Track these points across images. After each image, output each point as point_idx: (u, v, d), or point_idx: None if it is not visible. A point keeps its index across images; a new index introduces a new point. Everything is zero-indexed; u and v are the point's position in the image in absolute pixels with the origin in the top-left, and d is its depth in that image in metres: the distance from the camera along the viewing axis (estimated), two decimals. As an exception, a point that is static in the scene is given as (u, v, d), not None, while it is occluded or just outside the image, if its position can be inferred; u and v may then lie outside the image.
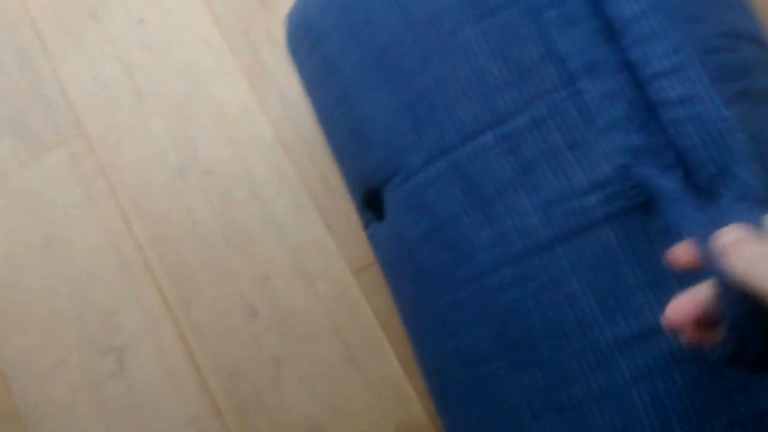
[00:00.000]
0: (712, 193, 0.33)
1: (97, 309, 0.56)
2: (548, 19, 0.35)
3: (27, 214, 0.59)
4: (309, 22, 0.42)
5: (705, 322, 0.27)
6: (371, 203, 0.43)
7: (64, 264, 0.58)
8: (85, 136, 0.59)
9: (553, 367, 0.34)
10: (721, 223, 0.26)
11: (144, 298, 0.57)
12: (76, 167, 0.59)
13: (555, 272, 0.34)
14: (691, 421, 0.32)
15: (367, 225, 0.45)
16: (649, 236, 0.33)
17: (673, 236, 0.30)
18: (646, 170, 0.33)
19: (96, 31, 0.62)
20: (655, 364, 0.32)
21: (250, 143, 0.59)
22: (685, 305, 0.27)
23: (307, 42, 0.43)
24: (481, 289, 0.36)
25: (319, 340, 0.56)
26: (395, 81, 0.37)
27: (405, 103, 0.37)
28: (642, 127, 0.33)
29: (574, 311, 0.34)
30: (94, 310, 0.56)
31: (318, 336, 0.56)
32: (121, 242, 0.58)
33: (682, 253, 0.28)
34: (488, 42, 0.35)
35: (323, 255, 0.57)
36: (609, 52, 0.34)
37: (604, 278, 0.33)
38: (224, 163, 0.59)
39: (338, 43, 0.40)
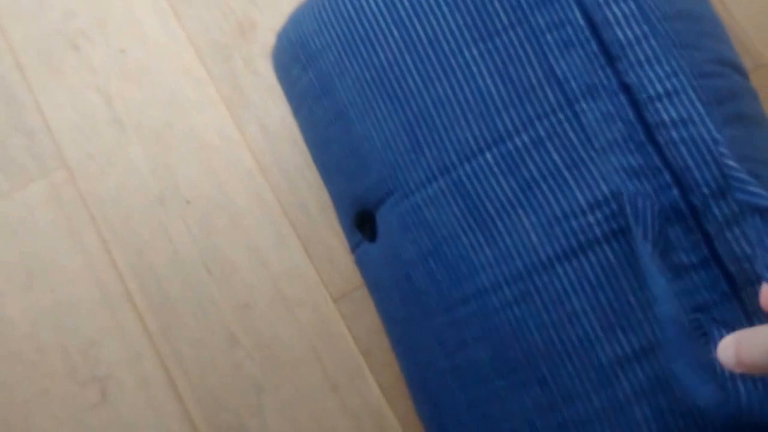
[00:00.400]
0: (707, 212, 0.33)
1: (80, 339, 0.56)
2: (548, 42, 0.35)
3: (9, 244, 0.58)
4: (303, 39, 0.42)
5: None
6: (362, 225, 0.42)
7: (46, 294, 0.57)
8: (66, 166, 0.59)
9: (555, 385, 0.34)
10: None
11: (126, 328, 0.56)
12: (57, 198, 0.58)
13: (556, 291, 0.34)
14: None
15: (355, 247, 0.44)
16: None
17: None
18: (635, 199, 0.33)
19: (77, 61, 0.61)
20: (656, 379, 0.33)
21: (230, 172, 0.59)
22: None
23: (300, 59, 0.42)
24: (482, 308, 0.35)
25: (300, 367, 0.55)
26: (395, 100, 0.37)
27: (404, 122, 0.37)
28: (639, 149, 0.34)
29: (575, 329, 0.34)
30: (76, 340, 0.56)
31: (299, 364, 0.55)
32: (103, 272, 0.57)
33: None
34: (489, 63, 0.36)
35: (304, 283, 0.57)
36: (606, 75, 0.35)
37: (604, 296, 0.33)
38: (204, 192, 0.58)
39: (335, 60, 0.40)
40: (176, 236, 0.58)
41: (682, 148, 0.34)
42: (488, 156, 0.36)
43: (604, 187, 0.34)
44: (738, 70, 0.39)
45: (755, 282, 0.33)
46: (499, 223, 0.35)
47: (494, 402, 0.36)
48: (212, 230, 0.58)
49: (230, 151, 0.59)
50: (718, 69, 0.37)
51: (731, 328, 0.32)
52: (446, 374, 0.38)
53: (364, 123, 0.39)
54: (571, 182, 0.34)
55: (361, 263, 0.44)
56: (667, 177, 0.34)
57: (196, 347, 0.55)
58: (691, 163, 0.33)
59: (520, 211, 0.35)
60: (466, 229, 0.36)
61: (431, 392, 0.40)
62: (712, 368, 0.29)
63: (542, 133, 0.35)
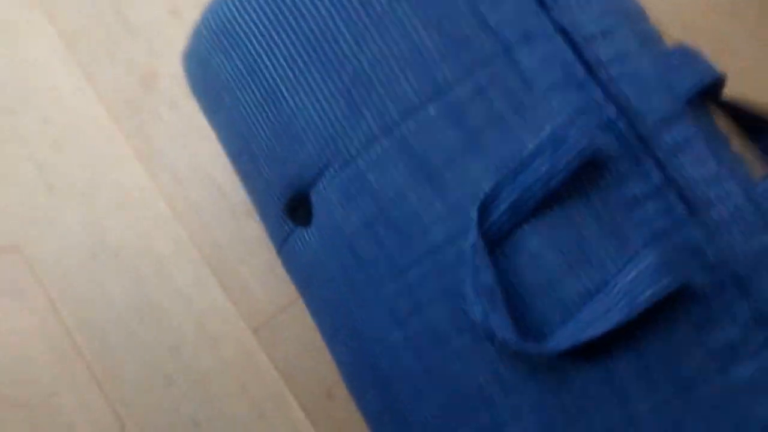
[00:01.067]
0: (655, 140, 0.32)
1: (39, 393, 0.58)
2: None
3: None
4: (225, 24, 0.39)
5: None
6: (294, 212, 0.39)
7: (3, 353, 0.60)
8: (9, 234, 0.62)
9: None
10: None
11: (78, 379, 0.58)
12: (4, 265, 0.62)
13: (513, 234, 0.33)
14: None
15: (283, 243, 0.41)
16: (600, 189, 0.32)
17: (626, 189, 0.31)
18: (580, 132, 0.32)
19: (9, 132, 0.64)
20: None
21: (150, 221, 0.60)
22: None
23: (223, 46, 0.39)
24: (436, 266, 0.33)
25: (229, 400, 0.56)
26: (329, 66, 0.35)
27: (341, 87, 0.35)
28: (580, 87, 0.33)
29: (538, 270, 0.32)
30: (36, 394, 0.58)
31: (228, 396, 0.56)
32: (53, 329, 0.59)
33: None
34: (422, 17, 0.34)
35: (223, 318, 0.57)
36: (541, 21, 0.34)
37: (562, 234, 0.32)
38: (130, 243, 0.59)
39: (262, 38, 0.37)
40: (110, 288, 0.59)
41: (624, 82, 0.33)
42: (430, 109, 0.34)
43: (549, 128, 0.33)
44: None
45: (710, 204, 0.31)
46: (447, 175, 0.33)
47: (455, 362, 0.33)
48: (140, 279, 0.59)
49: (147, 201, 0.60)
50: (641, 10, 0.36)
51: (692, 249, 0.31)
52: (398, 347, 0.35)
53: (297, 96, 0.36)
54: (517, 127, 0.33)
55: (293, 257, 0.40)
56: (612, 112, 0.32)
57: (138, 391, 0.57)
58: (633, 95, 0.32)
59: (469, 160, 0.33)
60: (414, 186, 0.34)
61: (382, 373, 0.37)
62: (485, 292, 0.30)
63: (483, 83, 0.34)
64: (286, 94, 0.37)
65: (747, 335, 0.31)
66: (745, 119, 0.37)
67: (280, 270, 0.57)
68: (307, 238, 0.39)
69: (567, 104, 0.33)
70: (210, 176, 0.59)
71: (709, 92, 0.36)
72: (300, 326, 0.56)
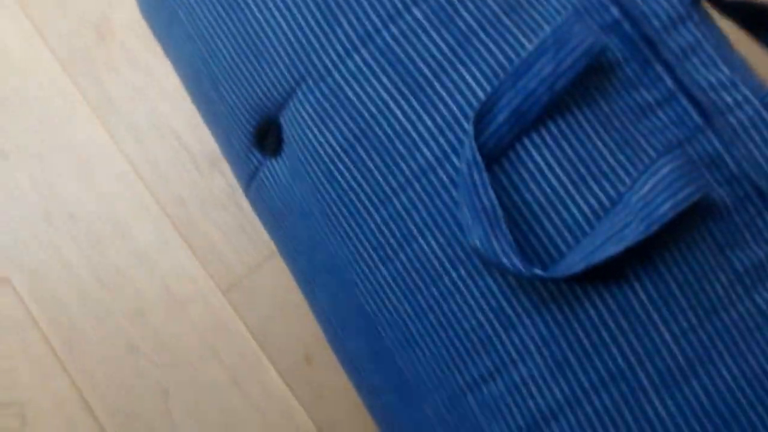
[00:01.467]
0: (663, 42, 0.28)
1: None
2: None
3: None
4: None
5: None
6: (262, 142, 0.34)
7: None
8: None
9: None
10: None
11: (34, 351, 0.52)
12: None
13: (514, 148, 0.28)
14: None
15: (252, 177, 0.35)
16: (604, 94, 0.28)
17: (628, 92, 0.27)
18: (585, 28, 0.27)
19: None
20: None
21: (108, 179, 0.54)
22: None
23: None
24: (427, 189, 0.29)
25: (200, 365, 0.50)
26: None
27: None
28: None
29: (543, 186, 0.28)
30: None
31: (198, 362, 0.50)
32: (5, 300, 0.53)
33: None
34: None
35: (191, 279, 0.51)
36: None
37: (569, 146, 0.28)
38: (86, 204, 0.54)
39: None
40: (66, 252, 0.53)
41: None
42: (416, 12, 0.29)
43: (548, 30, 0.28)
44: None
45: (726, 111, 0.28)
46: (437, 85, 0.29)
47: (449, 299, 0.28)
48: (99, 241, 0.53)
49: (105, 158, 0.54)
50: None
51: (711, 160, 0.27)
52: (385, 285, 0.30)
53: (261, 3, 0.31)
54: (513, 28, 0.29)
55: (262, 194, 0.35)
56: (616, 12, 0.29)
57: (100, 361, 0.51)
58: None
59: (461, 68, 0.28)
60: (399, 100, 0.29)
61: (367, 316, 0.32)
62: (485, 213, 0.26)
63: None
64: (250, 3, 0.33)
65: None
66: (745, 15, 0.33)
67: (250, 226, 0.51)
68: (278, 169, 0.34)
69: (566, 4, 0.29)
70: (172, 130, 0.54)
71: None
72: (274, 285, 0.50)
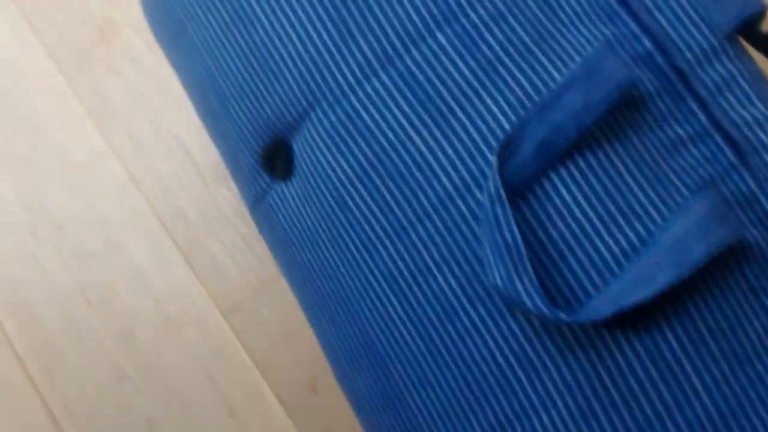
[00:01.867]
0: (697, 76, 0.30)
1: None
2: None
3: None
4: None
5: None
6: (272, 163, 0.35)
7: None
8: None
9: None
10: None
11: (5, 373, 0.53)
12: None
13: (540, 183, 0.29)
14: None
15: (259, 199, 0.36)
16: (635, 129, 0.29)
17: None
18: (617, 61, 0.28)
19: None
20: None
21: (101, 188, 0.55)
22: None
23: None
24: (445, 222, 0.29)
25: (193, 394, 0.51)
26: None
27: (328, 7, 0.31)
28: (612, 18, 0.30)
29: (570, 224, 0.29)
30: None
31: (192, 390, 0.51)
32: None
33: None
34: None
35: (189, 299, 0.52)
36: None
37: (598, 181, 0.29)
38: (76, 215, 0.55)
39: None
40: (50, 267, 0.54)
41: (660, 13, 0.30)
42: (440, 37, 0.30)
43: (579, 61, 0.29)
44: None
45: (761, 149, 0.29)
46: (460, 113, 0.29)
47: (466, 339, 0.29)
48: (87, 255, 0.54)
49: (99, 166, 0.55)
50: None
51: (744, 200, 0.28)
52: (398, 322, 0.31)
53: (275, 17, 0.32)
54: (542, 57, 0.29)
55: (269, 218, 0.36)
56: (647, 44, 0.30)
57: (80, 386, 0.52)
58: (671, 26, 0.30)
59: (486, 96, 0.29)
60: (419, 127, 0.30)
61: (377, 353, 0.32)
62: (508, 251, 0.27)
63: (501, 7, 0.30)
64: (261, 15, 0.33)
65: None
66: None
67: (256, 245, 0.52)
68: (287, 194, 0.35)
69: (597, 35, 0.30)
70: (175, 137, 0.55)
71: (748, 26, 0.34)
72: (279, 309, 0.51)
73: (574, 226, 0.28)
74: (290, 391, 0.48)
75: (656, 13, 0.30)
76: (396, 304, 0.30)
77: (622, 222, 0.28)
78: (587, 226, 0.28)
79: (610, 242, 0.28)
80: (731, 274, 0.27)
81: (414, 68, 0.30)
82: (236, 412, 0.48)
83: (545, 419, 0.27)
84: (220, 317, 0.49)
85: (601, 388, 0.27)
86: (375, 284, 0.31)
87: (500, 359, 0.28)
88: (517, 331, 0.28)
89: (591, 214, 0.28)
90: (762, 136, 0.29)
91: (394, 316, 0.31)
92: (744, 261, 0.27)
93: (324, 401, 0.48)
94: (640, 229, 0.28)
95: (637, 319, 0.26)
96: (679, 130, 0.29)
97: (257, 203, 0.37)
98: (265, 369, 0.48)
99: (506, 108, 0.29)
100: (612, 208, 0.28)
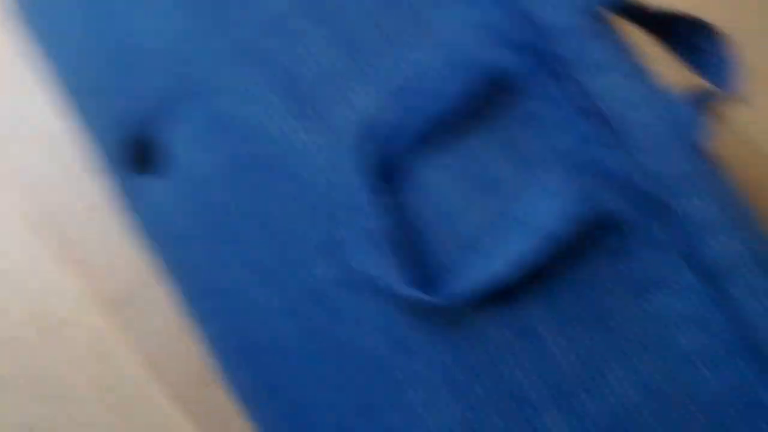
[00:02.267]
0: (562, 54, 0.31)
1: None
2: None
3: None
4: None
5: None
6: (138, 160, 0.36)
7: None
8: None
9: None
10: None
11: None
12: None
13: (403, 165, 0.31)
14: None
15: (126, 197, 0.38)
16: (502, 109, 0.32)
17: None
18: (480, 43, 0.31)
19: None
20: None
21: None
22: None
23: None
24: (313, 207, 0.32)
25: (79, 401, 0.52)
26: None
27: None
28: (476, 1, 0.32)
29: (435, 205, 0.31)
30: None
31: (77, 397, 0.52)
32: None
33: None
34: None
35: (66, 297, 0.53)
36: None
37: (462, 162, 0.31)
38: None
39: None
40: None
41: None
42: (302, 22, 0.32)
43: (445, 47, 0.32)
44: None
45: (631, 125, 0.31)
46: (324, 99, 0.32)
47: (339, 325, 0.32)
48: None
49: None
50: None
51: (611, 174, 0.31)
52: (272, 311, 0.34)
53: (132, 8, 0.33)
54: (408, 44, 0.32)
55: (138, 212, 0.37)
56: (518, 29, 0.32)
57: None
58: (536, 8, 0.32)
59: (350, 82, 0.32)
60: (284, 115, 0.32)
61: (256, 345, 0.35)
62: (368, 234, 0.29)
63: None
64: (118, 6, 0.35)
65: (669, 268, 0.32)
66: (648, 21, 0.37)
67: (136, 239, 0.53)
68: (154, 190, 0.36)
69: (467, 21, 0.32)
70: (38, 129, 0.55)
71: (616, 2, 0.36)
72: (167, 303, 0.53)
73: (438, 207, 0.31)
74: (184, 387, 0.50)
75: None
76: (269, 294, 0.33)
77: (485, 201, 0.31)
78: (449, 205, 0.31)
79: (471, 220, 0.31)
80: (590, 242, 0.31)
81: (276, 55, 0.32)
82: (124, 412, 0.50)
83: (418, 397, 0.31)
84: (104, 315, 0.51)
85: (467, 363, 0.30)
86: (248, 276, 0.33)
87: (370, 341, 0.31)
88: (384, 313, 0.30)
89: (452, 194, 0.31)
90: (628, 113, 0.32)
91: (268, 306, 0.33)
92: (605, 229, 0.31)
93: (220, 395, 0.50)
94: (502, 206, 0.31)
95: (500, 295, 0.30)
96: (543, 109, 0.31)
97: (128, 199, 0.38)
98: (155, 366, 0.50)
99: (370, 94, 0.31)
100: (473, 187, 0.31)
